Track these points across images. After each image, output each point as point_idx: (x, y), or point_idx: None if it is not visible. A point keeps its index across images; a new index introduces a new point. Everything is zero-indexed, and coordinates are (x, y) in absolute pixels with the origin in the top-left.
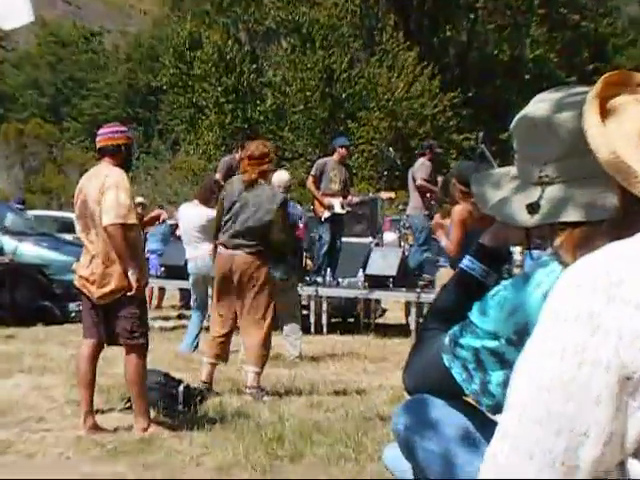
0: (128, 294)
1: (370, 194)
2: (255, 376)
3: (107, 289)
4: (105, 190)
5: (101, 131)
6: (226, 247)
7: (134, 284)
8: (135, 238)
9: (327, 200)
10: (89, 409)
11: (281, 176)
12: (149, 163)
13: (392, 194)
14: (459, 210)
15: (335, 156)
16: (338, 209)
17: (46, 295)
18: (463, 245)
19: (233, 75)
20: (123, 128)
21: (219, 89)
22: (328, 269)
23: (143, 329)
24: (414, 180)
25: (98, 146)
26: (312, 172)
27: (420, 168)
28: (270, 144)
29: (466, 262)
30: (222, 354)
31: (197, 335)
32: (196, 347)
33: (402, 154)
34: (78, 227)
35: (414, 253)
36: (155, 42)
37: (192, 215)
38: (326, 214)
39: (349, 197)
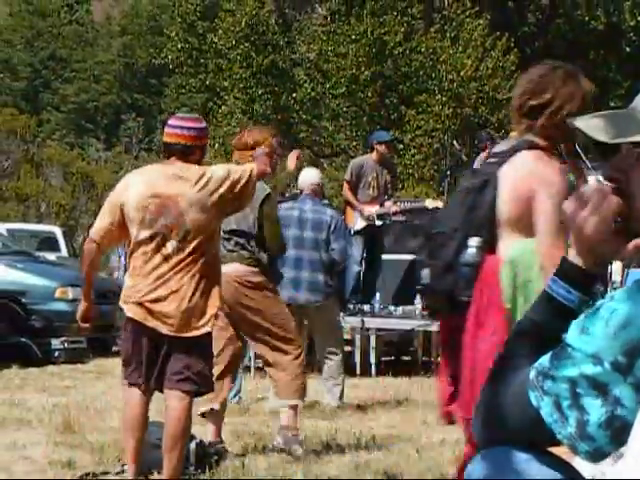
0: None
1: (409, 202)
2: (292, 413)
3: (203, 320)
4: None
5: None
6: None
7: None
8: None
9: (367, 210)
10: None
11: (307, 175)
12: (151, 161)
13: (439, 202)
14: None
15: (374, 155)
16: (376, 220)
17: (23, 330)
18: None
19: (266, 51)
20: (199, 125)
21: (248, 71)
22: (377, 295)
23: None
24: None
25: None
26: (346, 175)
27: None
28: (267, 132)
29: (558, 289)
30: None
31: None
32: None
33: (471, 149)
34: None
35: None
36: (157, 11)
37: None
38: (357, 226)
39: (387, 204)
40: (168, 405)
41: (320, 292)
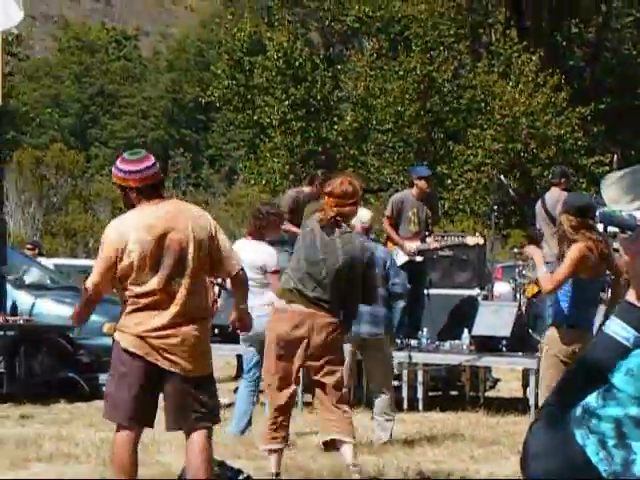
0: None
1: (452, 237)
2: (353, 449)
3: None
4: (216, 233)
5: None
6: (299, 301)
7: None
8: None
9: (407, 246)
10: None
11: (359, 215)
12: (198, 197)
13: (480, 239)
14: (580, 247)
15: (414, 190)
16: (417, 256)
17: (70, 364)
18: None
19: (303, 86)
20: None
21: (285, 103)
22: (425, 330)
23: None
24: (551, 219)
25: (154, 181)
26: (387, 211)
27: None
28: (357, 181)
29: (617, 329)
30: (285, 436)
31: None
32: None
33: (520, 184)
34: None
35: None
36: (204, 46)
37: (245, 253)
38: (399, 261)
39: (428, 240)
40: (191, 440)
41: (380, 325)
